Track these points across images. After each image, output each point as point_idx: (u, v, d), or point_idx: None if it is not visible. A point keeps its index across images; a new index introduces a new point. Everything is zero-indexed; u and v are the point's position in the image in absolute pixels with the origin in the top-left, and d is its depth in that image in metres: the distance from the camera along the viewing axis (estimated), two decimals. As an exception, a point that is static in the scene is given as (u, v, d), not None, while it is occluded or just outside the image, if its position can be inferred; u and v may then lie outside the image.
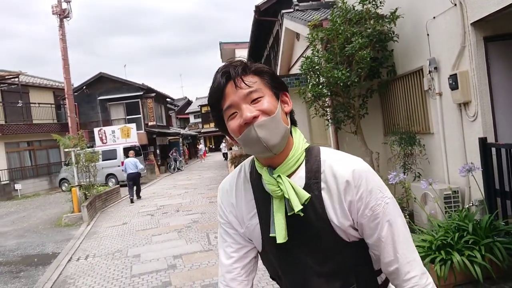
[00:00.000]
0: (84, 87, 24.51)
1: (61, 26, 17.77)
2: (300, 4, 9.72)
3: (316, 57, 6.52)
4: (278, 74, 11.73)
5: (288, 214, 1.14)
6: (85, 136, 19.23)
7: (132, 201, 13.72)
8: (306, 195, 1.12)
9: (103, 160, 17.94)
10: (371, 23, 6.11)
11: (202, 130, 49.30)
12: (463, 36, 4.69)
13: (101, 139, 21.99)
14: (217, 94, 1.15)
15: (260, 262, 1.35)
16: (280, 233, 1.14)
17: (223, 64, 1.20)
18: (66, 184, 18.91)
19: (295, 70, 10.28)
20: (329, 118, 6.92)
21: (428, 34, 5.50)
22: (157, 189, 17.28)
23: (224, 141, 33.80)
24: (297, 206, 1.10)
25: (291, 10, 9.65)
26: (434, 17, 5.31)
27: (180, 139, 33.39)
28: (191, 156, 39.15)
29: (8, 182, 19.51)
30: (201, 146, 40.76)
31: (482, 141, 4.44)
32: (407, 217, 5.36)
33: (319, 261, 1.18)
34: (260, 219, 1.22)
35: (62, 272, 6.27)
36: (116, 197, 14.76)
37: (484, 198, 4.39)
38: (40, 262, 7.15)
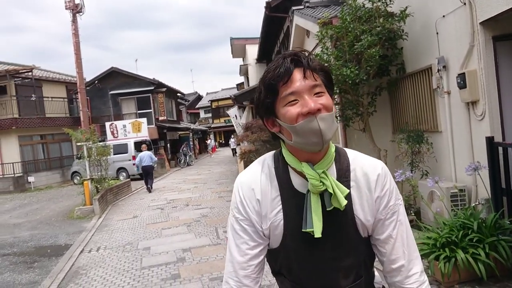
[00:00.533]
0: (96, 82, 24.77)
1: (74, 21, 17.96)
2: (311, 1, 9.74)
3: (325, 55, 6.56)
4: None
5: (327, 209, 1.17)
6: (97, 130, 19.53)
7: (149, 191, 14.87)
8: (345, 190, 1.17)
9: (114, 154, 18.17)
10: (380, 21, 6.13)
11: (212, 125, 49.50)
12: (472, 35, 4.70)
13: (113, 133, 22.26)
14: (281, 77, 1.15)
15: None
16: (318, 228, 1.16)
17: (290, 50, 1.22)
18: (78, 177, 19.23)
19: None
20: (337, 115, 6.97)
21: (437, 33, 5.51)
22: (167, 183, 17.47)
23: (233, 136, 33.70)
24: (343, 201, 1.14)
25: (302, 7, 9.68)
26: (443, 16, 5.32)
27: (190, 133, 33.59)
28: (201, 151, 39.39)
29: (21, 174, 19.88)
30: (210, 141, 40.97)
31: (489, 140, 4.45)
32: (414, 214, 5.42)
33: (340, 255, 1.23)
34: (284, 215, 1.22)
35: (74, 263, 6.44)
36: (127, 190, 14.97)
37: (490, 196, 4.42)
38: (53, 253, 7.34)
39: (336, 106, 6.95)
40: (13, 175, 19.69)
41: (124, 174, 19.54)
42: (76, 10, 17.75)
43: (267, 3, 13.30)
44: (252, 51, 21.21)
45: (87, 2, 49.89)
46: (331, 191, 1.15)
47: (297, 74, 1.15)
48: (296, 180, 1.23)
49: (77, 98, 21.01)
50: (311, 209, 1.17)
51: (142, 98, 24.82)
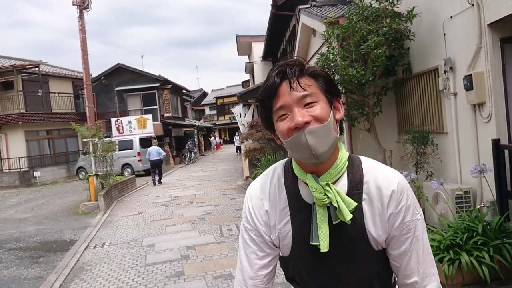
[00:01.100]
0: (102, 78, 24.86)
1: (81, 17, 18.02)
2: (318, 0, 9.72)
3: (331, 54, 6.55)
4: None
5: (334, 222, 1.13)
6: (103, 126, 19.60)
7: (154, 184, 15.98)
8: (352, 203, 1.11)
9: (119, 150, 18.24)
10: (387, 21, 6.11)
11: (217, 122, 49.56)
12: (479, 37, 4.68)
13: (118, 129, 22.35)
14: (269, 92, 1.13)
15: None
16: (324, 242, 1.13)
17: (280, 61, 1.18)
18: (83, 173, 19.36)
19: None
20: (344, 114, 6.95)
21: (444, 34, 5.49)
22: (171, 180, 17.53)
23: (237, 134, 33.64)
24: (348, 215, 1.09)
25: (308, 5, 9.65)
26: (451, 17, 5.30)
27: (195, 130, 33.66)
28: (206, 148, 39.47)
29: (27, 169, 20.02)
30: (213, 139, 40.95)
31: (495, 143, 4.44)
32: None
33: (350, 269, 1.19)
34: (293, 226, 1.20)
35: (79, 259, 6.49)
36: (132, 186, 15.05)
37: (496, 199, 4.41)
38: (58, 249, 7.40)
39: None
40: (19, 169, 19.84)
41: (129, 170, 19.63)
42: (83, 6, 17.80)
43: (274, 1, 13.27)
44: (258, 48, 21.18)
45: (94, -2, 49.92)
46: (335, 204, 1.11)
47: (285, 87, 1.12)
48: (304, 191, 1.21)
49: (83, 94, 21.09)
50: (317, 222, 1.15)
51: (148, 95, 24.89)
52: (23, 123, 20.06)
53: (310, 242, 1.15)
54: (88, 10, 18.19)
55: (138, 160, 19.73)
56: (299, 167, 1.21)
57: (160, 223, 8.66)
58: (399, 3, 6.13)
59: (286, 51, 17.20)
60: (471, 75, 4.79)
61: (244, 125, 16.36)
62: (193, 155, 27.04)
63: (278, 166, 1.31)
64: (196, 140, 32.80)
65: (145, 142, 20.41)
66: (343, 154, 1.20)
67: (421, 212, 1.20)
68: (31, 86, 21.65)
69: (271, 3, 13.55)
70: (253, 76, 23.81)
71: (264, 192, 1.26)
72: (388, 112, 7.15)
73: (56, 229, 9.05)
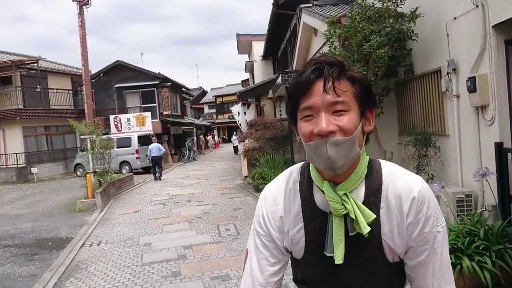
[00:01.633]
0: (101, 74, 24.76)
1: (81, 13, 17.95)
2: (319, -1, 9.66)
3: (333, 54, 6.48)
4: (293, 69, 11.72)
5: (350, 234, 1.07)
6: (101, 123, 19.50)
7: (156, 179, 16.64)
8: (371, 215, 1.05)
9: (117, 148, 18.17)
10: (390, 21, 6.05)
11: (216, 121, 49.48)
12: (483, 39, 4.62)
13: (116, 126, 22.26)
14: (300, 88, 1.05)
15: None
16: (339, 254, 1.07)
17: (319, 56, 1.10)
18: (81, 170, 19.28)
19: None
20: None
21: (448, 35, 5.42)
22: (170, 178, 17.45)
23: (235, 133, 33.40)
24: (366, 228, 1.03)
25: (310, 4, 9.59)
26: (454, 18, 5.24)
27: (194, 129, 33.57)
28: (205, 146, 39.37)
29: (25, 165, 19.91)
30: (210, 138, 40.77)
31: (498, 146, 4.38)
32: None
33: (363, 279, 1.14)
34: (306, 233, 1.15)
35: (75, 257, 6.42)
36: (129, 184, 14.96)
37: (497, 203, 4.35)
38: (54, 246, 7.32)
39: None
40: (16, 165, 19.72)
41: (127, 167, 19.52)
42: (83, 2, 17.73)
43: (275, 0, 13.21)
44: (258, 47, 21.13)
45: (94, -6, 49.76)
46: (352, 216, 1.05)
47: (318, 87, 1.03)
48: (319, 198, 1.15)
49: (82, 91, 21.03)
50: (332, 233, 1.09)
51: (147, 92, 24.80)
52: (21, 119, 19.95)
53: (325, 252, 1.10)
54: (88, 6, 18.12)
55: (136, 158, 19.62)
56: (317, 172, 1.15)
57: (157, 221, 8.59)
58: (402, 3, 6.07)
59: (287, 50, 17.14)
60: (474, 77, 4.73)
61: (241, 124, 16.31)
62: (192, 153, 26.97)
63: (294, 170, 1.24)
64: (195, 138, 32.71)
65: (144, 140, 20.33)
66: (364, 160, 1.13)
67: (444, 224, 1.12)
68: (30, 82, 21.53)
69: (272, 2, 13.49)
70: (253, 75, 23.76)
71: (279, 196, 1.21)
72: (389, 114, 7.09)
73: (52, 226, 8.97)
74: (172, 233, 7.51)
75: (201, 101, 53.31)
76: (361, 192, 1.11)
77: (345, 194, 1.07)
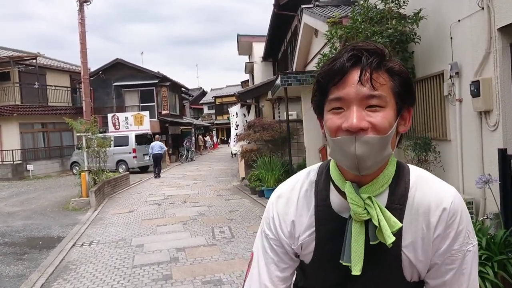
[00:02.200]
0: (100, 72, 24.63)
1: (81, 10, 17.80)
2: (321, 0, 9.53)
3: (333, 55, 6.35)
4: (293, 70, 11.60)
5: (371, 243, 0.94)
6: (99, 121, 19.33)
7: (155, 177, 17.29)
8: (397, 224, 0.92)
9: (114, 146, 18.03)
10: (392, 23, 5.92)
11: (215, 122, 49.32)
12: (488, 42, 4.48)
13: (114, 125, 22.12)
14: (332, 76, 0.93)
15: None
16: (357, 265, 0.95)
17: (357, 42, 0.97)
18: (77, 168, 19.04)
19: (311, 67, 10.10)
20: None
21: (451, 38, 5.29)
22: (166, 178, 17.30)
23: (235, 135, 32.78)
24: (390, 237, 0.90)
25: (311, 5, 9.46)
26: (459, 20, 5.10)
27: (193, 129, 33.42)
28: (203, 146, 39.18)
29: (20, 162, 19.75)
30: (208, 138, 40.49)
31: (502, 152, 4.24)
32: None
33: None
34: (316, 238, 1.04)
35: (65, 257, 6.26)
36: (125, 184, 14.81)
37: (500, 211, 4.21)
38: (44, 245, 7.16)
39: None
40: (12, 162, 19.56)
41: (123, 166, 19.37)
42: (83, -1, 17.58)
43: (276, 0, 13.09)
44: (259, 49, 21.00)
45: (96, -8, 49.72)
46: (375, 223, 0.92)
47: (353, 76, 0.90)
48: (335, 200, 1.02)
49: (81, 88, 20.89)
50: (350, 240, 0.95)
51: (146, 91, 24.68)
52: (18, 115, 19.79)
53: (341, 261, 0.97)
54: (88, 3, 17.96)
55: (133, 157, 19.48)
56: (338, 171, 1.02)
57: (151, 222, 8.44)
58: (405, 4, 5.94)
59: (287, 52, 17.01)
60: (478, 81, 4.59)
61: (238, 125, 16.17)
62: (189, 153, 26.81)
63: (312, 170, 1.11)
64: (193, 138, 32.54)
65: (141, 139, 20.19)
66: (392, 162, 1.01)
67: (475, 243, 0.99)
68: (28, 78, 21.38)
69: (273, 2, 13.37)
70: (252, 76, 23.63)
71: (292, 199, 1.09)
72: (389, 117, 6.95)
73: (44, 225, 8.81)
74: (165, 234, 7.35)
75: (201, 102, 53.16)
76: (384, 196, 0.98)
77: (369, 197, 0.94)
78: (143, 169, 20.45)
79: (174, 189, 13.65)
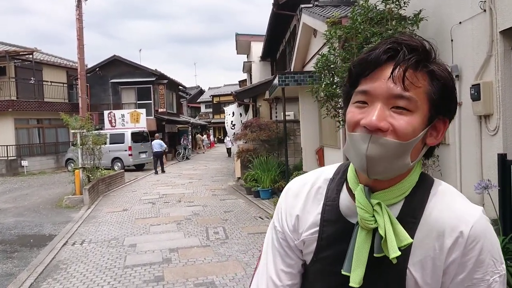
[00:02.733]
0: (97, 69, 24.46)
1: (79, 6, 17.68)
2: (320, 0, 9.44)
3: (332, 56, 6.27)
4: (291, 70, 11.51)
5: (375, 255, 0.86)
6: (95, 118, 19.22)
7: (156, 173, 18.08)
8: (407, 239, 0.83)
9: (110, 143, 17.91)
10: (392, 24, 5.84)
11: (213, 120, 49.19)
12: (490, 45, 4.40)
13: (110, 122, 21.98)
14: (364, 67, 0.85)
15: None
16: (356, 276, 0.87)
17: (398, 35, 0.91)
18: (72, 164, 18.83)
19: (309, 67, 10.02)
20: (341, 119, 6.68)
21: (452, 40, 5.21)
22: (161, 177, 17.19)
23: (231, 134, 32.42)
24: (394, 252, 0.82)
25: (310, 5, 9.37)
26: (460, 23, 5.03)
27: (190, 127, 33.29)
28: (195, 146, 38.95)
29: (15, 158, 19.58)
30: (205, 137, 40.18)
31: (502, 158, 4.17)
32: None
33: None
34: (318, 240, 0.97)
35: (55, 256, 6.16)
36: (120, 181, 14.69)
37: (499, 218, 4.13)
38: (35, 243, 7.05)
39: (340, 110, 6.65)
40: (6, 158, 19.38)
41: (119, 164, 19.22)
42: (81, -6, 17.44)
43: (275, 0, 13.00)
44: (257, 48, 20.90)
45: (95, -12, 49.50)
46: (382, 233, 0.83)
47: (386, 71, 0.82)
48: (344, 201, 0.94)
49: (77, 84, 20.71)
50: (354, 249, 0.88)
51: (143, 89, 24.52)
52: (13, 111, 19.63)
53: (342, 271, 0.90)
54: (86, -1, 17.83)
55: (129, 155, 19.33)
56: (354, 172, 0.95)
57: (144, 221, 8.33)
58: (405, 5, 5.85)
59: (285, 52, 16.93)
60: (479, 84, 4.52)
61: (234, 125, 16.08)
62: (186, 151, 26.68)
63: (330, 168, 1.05)
64: (190, 136, 32.39)
65: (137, 137, 20.05)
66: (415, 173, 0.91)
67: (503, 272, 0.86)
68: (24, 73, 21.22)
69: (272, 2, 13.28)
70: (250, 76, 23.54)
71: (302, 193, 1.03)
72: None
73: (36, 222, 8.69)
74: (158, 234, 7.25)
75: (198, 100, 53.02)
76: (398, 207, 0.89)
77: (378, 204, 0.86)
78: (139, 167, 20.32)
79: (169, 188, 13.54)
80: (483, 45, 4.54)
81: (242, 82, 29.68)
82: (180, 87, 32.13)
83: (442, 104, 0.85)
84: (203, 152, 33.70)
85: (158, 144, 18.21)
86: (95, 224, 8.29)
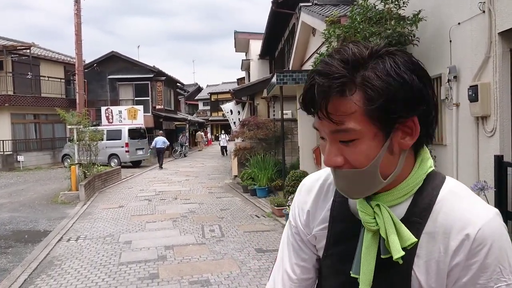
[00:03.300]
0: (95, 65, 24.36)
1: (77, 0, 17.58)
2: (319, -2, 9.42)
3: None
4: (290, 69, 11.49)
5: (382, 256, 0.84)
6: (92, 114, 19.15)
7: (161, 168, 18.97)
8: (410, 238, 0.81)
9: (107, 140, 17.83)
10: (391, 23, 5.82)
11: (210, 118, 49.12)
12: (488, 46, 4.40)
13: (108, 118, 21.92)
14: (303, 107, 0.83)
15: None
16: (365, 278, 0.85)
17: (322, 61, 0.81)
18: (68, 160, 18.82)
19: (308, 66, 10.01)
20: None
21: (450, 41, 5.20)
22: (158, 174, 17.15)
23: (223, 132, 32.13)
24: (397, 252, 0.80)
25: (310, 4, 9.35)
26: (459, 23, 5.02)
27: (187, 125, 33.22)
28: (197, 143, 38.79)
29: (11, 153, 19.49)
30: (203, 135, 39.88)
31: (498, 159, 4.17)
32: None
33: None
34: (327, 237, 0.97)
35: (50, 252, 6.13)
36: (116, 178, 14.64)
37: (495, 219, 4.13)
38: (30, 239, 7.01)
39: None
40: (2, 153, 19.29)
41: (115, 160, 19.15)
42: (79, -11, 17.36)
43: (275, -3, 12.97)
44: (256, 46, 20.86)
45: (94, -17, 49.24)
46: (382, 234, 0.82)
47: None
48: (354, 200, 0.92)
49: (75, 80, 20.66)
50: (361, 251, 0.86)
51: (141, 85, 24.46)
52: (10, 105, 19.53)
53: (351, 272, 0.89)
54: (85, -6, 17.77)
55: (126, 151, 19.27)
56: None
57: (140, 218, 8.31)
58: (405, 5, 5.84)
59: (284, 50, 16.89)
60: (477, 85, 4.51)
61: (234, 122, 16.06)
62: (184, 149, 26.62)
63: None
64: (187, 134, 32.31)
65: (134, 133, 19.99)
66: (419, 173, 0.86)
67: (511, 282, 0.80)
68: (21, 68, 21.11)
69: (271, 0, 13.25)
70: (249, 73, 23.49)
71: (314, 189, 1.03)
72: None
73: (31, 218, 8.64)
74: (154, 231, 7.23)
75: (196, 98, 52.93)
76: (404, 207, 0.86)
77: (378, 205, 0.84)
78: (136, 164, 20.26)
79: (165, 185, 13.51)
80: (481, 46, 4.53)
81: (240, 80, 29.62)
82: (178, 84, 32.06)
83: (394, 109, 0.76)
84: (199, 150, 33.62)
85: (161, 141, 19.12)
86: (90, 220, 8.26)
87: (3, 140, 19.34)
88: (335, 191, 0.98)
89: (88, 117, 12.61)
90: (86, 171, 11.85)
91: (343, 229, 0.93)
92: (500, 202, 4.11)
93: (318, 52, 7.46)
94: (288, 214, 6.21)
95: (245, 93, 16.01)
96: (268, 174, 10.53)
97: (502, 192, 4.10)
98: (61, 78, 23.96)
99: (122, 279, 4.93)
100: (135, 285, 4.74)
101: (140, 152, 20.17)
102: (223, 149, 27.48)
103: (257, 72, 21.14)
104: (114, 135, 19.23)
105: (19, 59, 21.18)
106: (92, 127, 12.82)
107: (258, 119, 13.14)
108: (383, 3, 5.92)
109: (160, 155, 19.33)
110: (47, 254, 6.03)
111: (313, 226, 1.00)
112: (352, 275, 0.88)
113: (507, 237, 0.80)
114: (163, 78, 25.63)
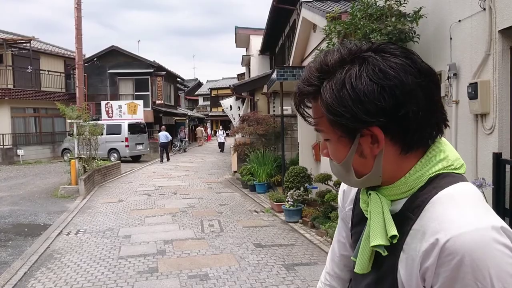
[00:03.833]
0: (95, 59, 24.33)
1: (77, -6, 17.53)
2: (320, -6, 9.40)
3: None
4: (290, 64, 11.48)
5: (371, 245, 0.87)
6: (92, 109, 19.15)
7: (162, 161, 19.64)
8: (392, 231, 0.81)
9: (107, 134, 17.84)
10: (392, 20, 5.82)
11: (210, 113, 49.10)
12: (488, 43, 4.40)
13: (107, 112, 21.91)
14: (294, 103, 0.93)
15: None
16: (360, 263, 0.89)
17: (308, 65, 0.89)
18: (68, 154, 18.84)
19: (308, 62, 10.00)
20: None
21: (451, 38, 5.20)
22: (158, 169, 17.18)
23: (221, 127, 31.71)
24: (374, 240, 0.82)
25: (311, 0, 9.34)
26: (459, 21, 5.02)
27: (187, 120, 33.22)
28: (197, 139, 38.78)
29: (11, 146, 19.51)
30: (202, 130, 39.74)
31: (497, 157, 4.19)
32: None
33: None
34: (352, 216, 1.05)
35: (50, 245, 6.16)
36: (116, 172, 14.67)
37: (492, 216, 4.16)
38: (30, 233, 7.05)
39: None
40: (2, 146, 19.31)
41: (115, 155, 19.17)
42: (80, -17, 17.30)
43: (276, -7, 12.94)
44: (256, 42, 20.82)
45: (94, -23, 49.03)
46: (368, 222, 0.88)
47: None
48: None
49: (75, 74, 20.63)
50: (362, 237, 0.92)
51: (141, 80, 24.44)
52: (10, 99, 19.52)
53: (351, 257, 0.97)
54: (85, -12, 17.72)
55: (126, 146, 19.28)
56: None
57: (139, 213, 8.34)
58: (405, 2, 5.83)
59: (285, 46, 16.87)
60: (476, 83, 4.52)
61: (234, 118, 16.06)
62: (183, 144, 26.62)
63: None
64: (187, 129, 32.30)
65: (134, 128, 20.00)
66: (424, 171, 0.84)
67: None
68: (21, 62, 21.08)
69: (273, -5, 13.23)
70: (249, 69, 23.47)
71: None
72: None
73: (31, 212, 8.68)
74: (153, 226, 7.27)
75: (196, 93, 52.86)
76: (403, 201, 0.86)
77: (370, 194, 0.88)
78: (135, 159, 20.29)
79: (165, 180, 13.54)
80: (481, 44, 4.53)
81: (240, 76, 29.59)
82: (178, 79, 32.05)
83: (347, 120, 0.78)
84: (199, 145, 33.63)
85: (164, 136, 19.83)
86: (90, 214, 8.29)
87: (3, 134, 19.36)
88: None
89: (88, 111, 12.62)
90: (86, 165, 11.87)
91: (361, 212, 0.97)
92: (498, 200, 4.13)
93: (319, 48, 7.46)
94: (286, 210, 6.27)
95: (245, 88, 16.00)
96: (268, 170, 10.55)
97: (500, 189, 4.12)
98: (61, 72, 23.94)
99: (121, 273, 4.96)
100: (135, 279, 4.77)
101: (139, 147, 20.20)
102: (221, 144, 26.97)
103: (258, 67, 21.12)
104: (114, 129, 19.23)
105: (19, 53, 21.14)
106: (92, 122, 12.83)
107: (258, 114, 13.15)
108: (383, 0, 5.92)
109: (163, 149, 19.83)
110: (47, 247, 6.06)
111: (346, 205, 1.09)
112: (352, 258, 0.95)
113: (496, 255, 0.71)
114: (163, 73, 25.61)
